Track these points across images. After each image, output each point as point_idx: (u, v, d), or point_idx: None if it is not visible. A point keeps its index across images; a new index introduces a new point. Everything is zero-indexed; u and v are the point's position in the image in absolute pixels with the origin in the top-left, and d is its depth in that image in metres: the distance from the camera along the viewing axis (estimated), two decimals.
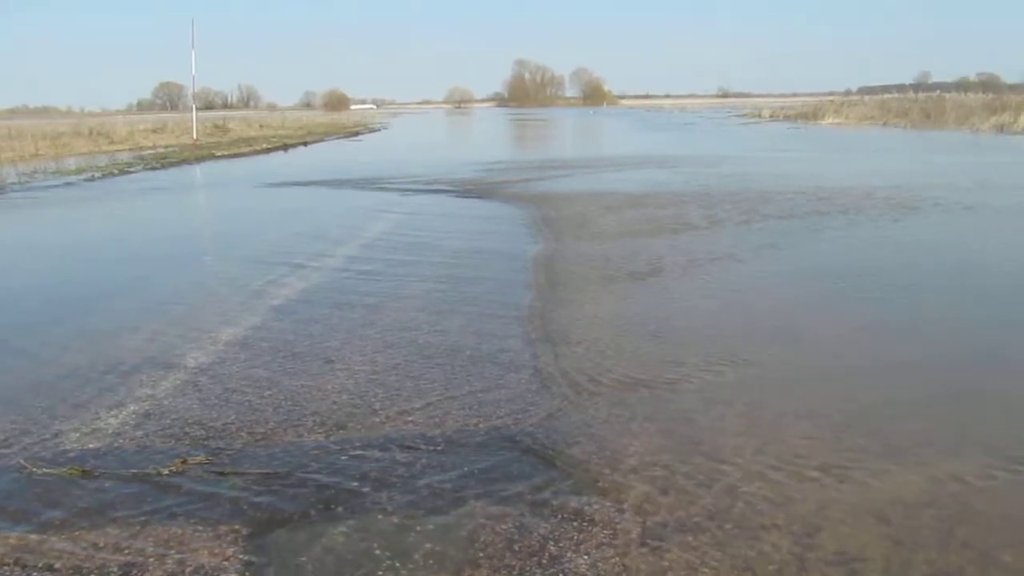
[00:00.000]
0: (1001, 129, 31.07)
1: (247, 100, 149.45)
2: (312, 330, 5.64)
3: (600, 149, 29.10)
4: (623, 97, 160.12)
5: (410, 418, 4.03)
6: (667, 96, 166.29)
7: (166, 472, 3.47)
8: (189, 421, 4.06)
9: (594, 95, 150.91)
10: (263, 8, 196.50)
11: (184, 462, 3.56)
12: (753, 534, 2.91)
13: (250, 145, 30.42)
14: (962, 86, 75.55)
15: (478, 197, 13.18)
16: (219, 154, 25.95)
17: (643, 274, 7.21)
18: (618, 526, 2.98)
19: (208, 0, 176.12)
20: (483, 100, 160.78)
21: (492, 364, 4.83)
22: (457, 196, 13.44)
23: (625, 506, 3.13)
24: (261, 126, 45.80)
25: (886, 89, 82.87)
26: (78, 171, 19.36)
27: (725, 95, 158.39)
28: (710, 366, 4.70)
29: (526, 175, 16.58)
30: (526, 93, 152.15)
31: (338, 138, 39.97)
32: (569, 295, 6.50)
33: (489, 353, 5.04)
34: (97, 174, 18.76)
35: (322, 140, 37.29)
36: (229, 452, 3.67)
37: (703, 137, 33.94)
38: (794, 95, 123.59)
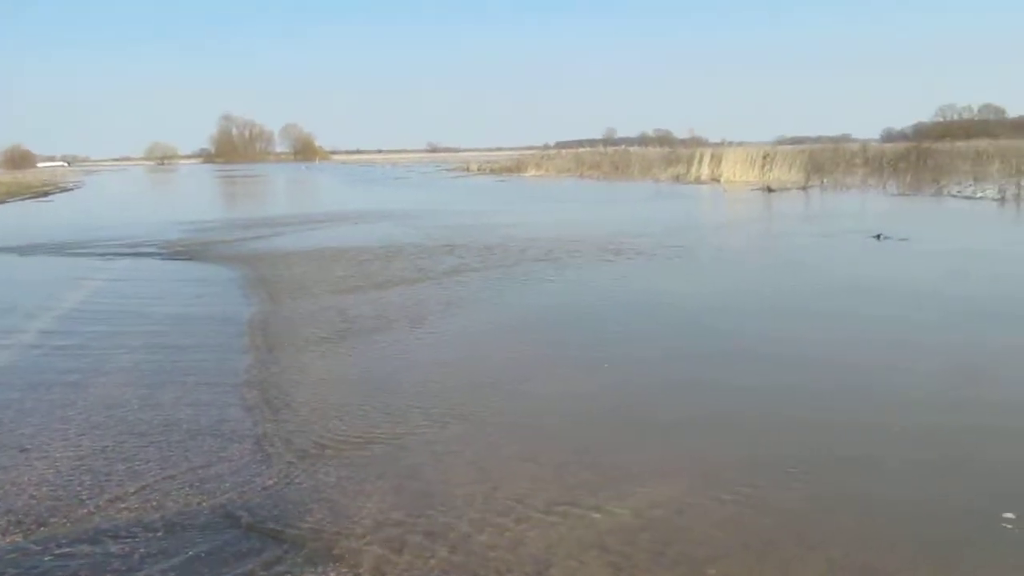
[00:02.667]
0: (677, 179, 34.73)
1: None
2: (1, 417, 5.03)
3: (313, 205, 28.77)
4: (335, 152, 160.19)
5: (124, 504, 3.70)
6: (379, 151, 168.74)
7: None
8: None
9: (305, 150, 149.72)
10: None
11: None
12: None
13: None
14: (643, 141, 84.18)
15: (188, 259, 12.52)
16: None
17: (363, 331, 7.19)
18: None
19: None
20: (188, 156, 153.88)
21: (212, 437, 4.57)
22: (165, 259, 12.68)
23: (362, 570, 3.08)
24: None
25: (580, 143, 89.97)
26: None
27: (434, 150, 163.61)
28: (436, 419, 4.77)
29: (238, 234, 16.01)
30: (234, 149, 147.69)
31: (24, 199, 36.25)
32: (289, 357, 6.33)
33: (208, 425, 4.77)
34: None
35: (4, 202, 33.66)
36: None
37: (415, 191, 34.68)
38: (499, 149, 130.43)
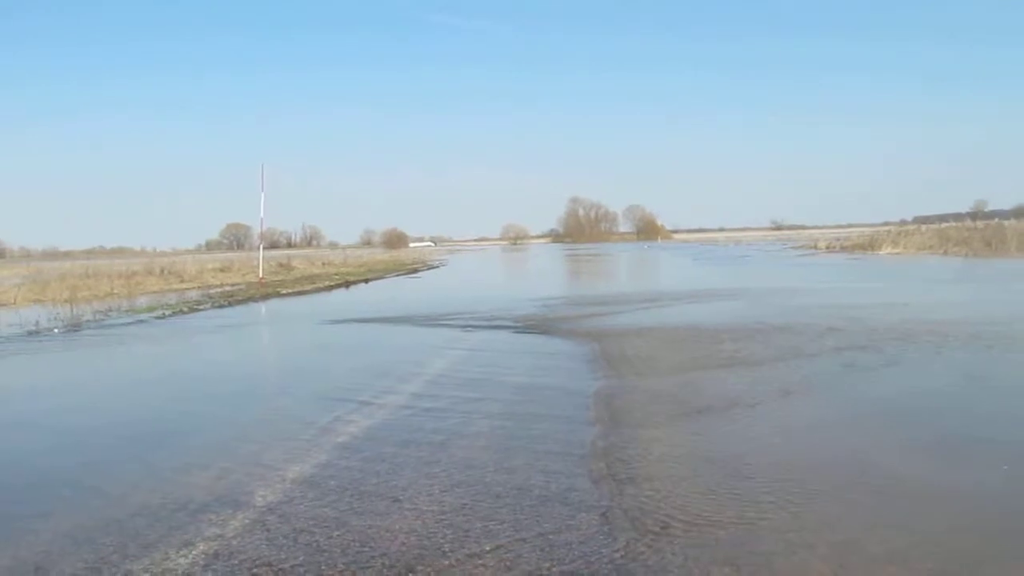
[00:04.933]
0: None
1: (310, 239, 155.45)
2: (379, 468, 5.63)
3: (657, 283, 29.23)
4: (676, 231, 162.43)
5: (480, 561, 3.95)
6: (720, 229, 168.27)
7: None
8: (258, 562, 4.03)
9: (648, 230, 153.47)
10: (325, 151, 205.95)
11: None
12: None
13: (313, 283, 31.26)
14: (1020, 213, 74.51)
15: (538, 333, 13.25)
16: (284, 292, 26.66)
17: (711, 409, 7.10)
18: None
19: (272, 144, 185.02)
20: (538, 236, 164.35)
21: (561, 504, 4.74)
22: (517, 332, 13.53)
23: None
24: (324, 264, 47.21)
25: (942, 218, 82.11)
26: (149, 309, 20.00)
27: (779, 228, 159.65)
28: (789, 506, 4.54)
29: (584, 310, 16.67)
30: (581, 229, 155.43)
31: (398, 275, 40.86)
32: (634, 432, 6.41)
33: (557, 493, 4.96)
34: (167, 312, 19.35)
35: (382, 277, 38.16)
36: None
37: (760, 268, 33.91)
38: (849, 226, 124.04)
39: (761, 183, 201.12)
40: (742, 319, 13.67)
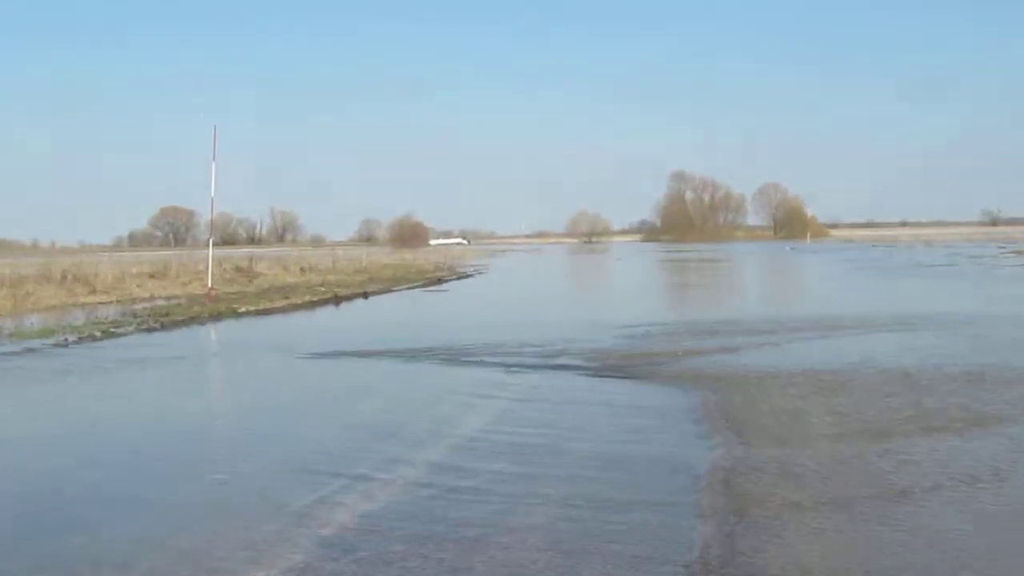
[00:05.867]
0: None
1: (282, 232, 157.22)
2: None
3: (806, 305, 28.98)
4: (834, 226, 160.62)
5: None
6: (903, 224, 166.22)
7: None
8: None
9: (791, 223, 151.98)
10: (304, 107, 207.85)
11: None
12: None
13: (287, 296, 31.54)
14: None
15: (622, 376, 13.24)
16: (243, 309, 26.94)
17: (882, 497, 7.04)
18: None
19: (225, 101, 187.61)
20: (624, 231, 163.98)
21: None
22: (590, 375, 13.52)
23: None
24: (303, 269, 47.59)
25: None
26: (44, 333, 20.29)
27: (994, 223, 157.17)
28: None
29: (693, 343, 16.59)
30: (688, 221, 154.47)
31: (413, 287, 40.99)
32: (767, 530, 6.37)
33: None
34: (71, 337, 19.61)
35: (389, 290, 38.32)
36: None
37: (970, 285, 33.38)
38: None
39: (965, 156, 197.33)
40: (930, 362, 13.49)
